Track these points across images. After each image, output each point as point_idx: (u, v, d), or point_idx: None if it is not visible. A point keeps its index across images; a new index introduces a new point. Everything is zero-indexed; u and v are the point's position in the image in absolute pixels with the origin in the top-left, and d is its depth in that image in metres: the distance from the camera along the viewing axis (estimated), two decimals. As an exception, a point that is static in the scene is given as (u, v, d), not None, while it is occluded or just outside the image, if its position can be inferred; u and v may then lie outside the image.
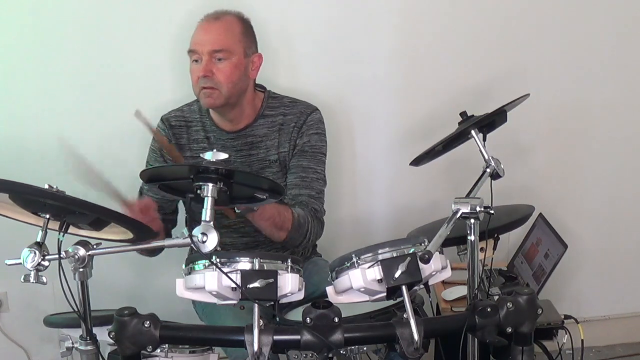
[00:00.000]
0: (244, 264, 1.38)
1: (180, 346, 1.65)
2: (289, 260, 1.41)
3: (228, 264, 1.38)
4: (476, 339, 1.65)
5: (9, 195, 1.47)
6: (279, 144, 2.16)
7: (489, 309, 1.45)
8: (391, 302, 1.51)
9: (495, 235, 1.95)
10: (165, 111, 2.29)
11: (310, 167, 2.15)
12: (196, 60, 2.04)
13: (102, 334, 1.50)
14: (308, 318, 1.38)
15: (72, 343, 1.72)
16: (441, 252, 1.49)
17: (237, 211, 1.87)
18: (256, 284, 1.35)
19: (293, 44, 2.35)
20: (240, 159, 2.16)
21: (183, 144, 2.19)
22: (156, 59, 2.35)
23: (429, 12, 2.45)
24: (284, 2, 2.33)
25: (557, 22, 2.52)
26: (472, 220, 1.66)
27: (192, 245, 1.41)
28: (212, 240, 1.40)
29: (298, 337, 1.38)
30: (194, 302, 2.15)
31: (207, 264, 1.39)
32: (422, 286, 1.49)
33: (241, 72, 2.06)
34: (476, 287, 1.71)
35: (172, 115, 2.21)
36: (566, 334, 2.02)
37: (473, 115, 1.94)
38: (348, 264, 1.43)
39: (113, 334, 1.41)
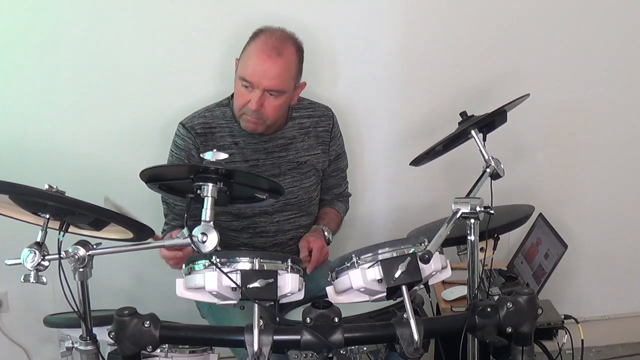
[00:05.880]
0: (244, 264, 1.38)
1: (180, 346, 1.65)
2: (289, 260, 1.41)
3: (228, 264, 1.38)
4: (476, 339, 1.66)
5: (9, 196, 1.48)
6: (309, 146, 2.23)
7: (489, 309, 1.45)
8: (391, 302, 1.51)
9: (495, 235, 1.95)
10: (168, 112, 2.28)
11: (345, 164, 2.40)
12: (246, 87, 2.02)
13: (102, 334, 1.50)
14: (308, 318, 1.38)
15: (72, 343, 1.73)
16: (441, 252, 1.49)
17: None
18: (256, 284, 1.35)
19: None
20: (270, 160, 2.18)
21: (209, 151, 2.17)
22: (158, 59, 2.34)
23: (429, 11, 2.45)
24: (283, 1, 2.32)
25: (557, 22, 2.52)
26: (472, 220, 1.66)
27: (192, 245, 1.41)
28: (212, 240, 1.40)
29: (298, 337, 1.38)
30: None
31: (207, 264, 1.39)
32: (422, 286, 1.50)
33: (287, 104, 2.11)
34: (476, 287, 1.71)
35: (196, 123, 2.12)
36: (566, 334, 2.02)
37: (473, 115, 1.94)
38: (348, 264, 1.43)
39: (113, 334, 1.41)
